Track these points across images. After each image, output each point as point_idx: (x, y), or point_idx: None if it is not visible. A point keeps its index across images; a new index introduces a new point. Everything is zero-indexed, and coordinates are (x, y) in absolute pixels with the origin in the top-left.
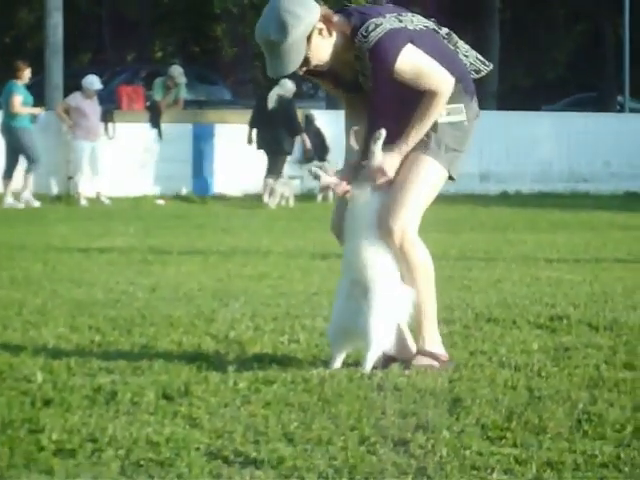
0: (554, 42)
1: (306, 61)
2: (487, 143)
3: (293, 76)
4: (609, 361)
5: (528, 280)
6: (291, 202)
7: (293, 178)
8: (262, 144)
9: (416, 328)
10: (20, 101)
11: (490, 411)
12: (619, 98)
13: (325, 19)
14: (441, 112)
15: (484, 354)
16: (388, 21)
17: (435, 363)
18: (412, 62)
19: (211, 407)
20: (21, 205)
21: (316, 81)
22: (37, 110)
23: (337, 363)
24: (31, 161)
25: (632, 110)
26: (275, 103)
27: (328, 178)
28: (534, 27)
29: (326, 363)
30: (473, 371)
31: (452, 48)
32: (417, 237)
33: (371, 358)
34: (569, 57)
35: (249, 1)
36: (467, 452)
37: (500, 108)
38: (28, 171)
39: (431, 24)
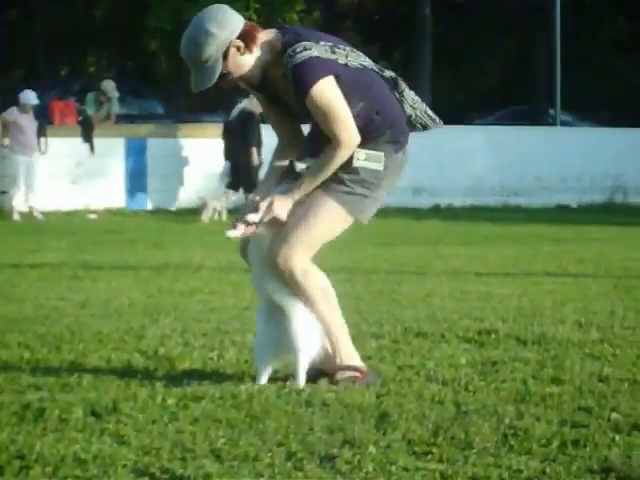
0: (485, 55)
1: (226, 76)
2: (419, 157)
3: None
4: (536, 375)
5: (458, 294)
6: (224, 216)
7: (226, 192)
8: (226, 154)
9: (332, 348)
10: None
11: (417, 426)
12: (550, 111)
13: (247, 35)
14: (334, 168)
15: (412, 368)
16: (318, 48)
17: (357, 374)
18: (326, 97)
19: (139, 424)
20: None
21: (258, 95)
22: None
23: (263, 379)
24: None
25: (563, 123)
26: (236, 115)
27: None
28: (465, 40)
29: (254, 379)
30: (401, 386)
31: (395, 95)
32: (311, 265)
33: (302, 371)
34: (500, 70)
35: (182, 19)
36: (393, 468)
37: None
38: None
39: (370, 64)
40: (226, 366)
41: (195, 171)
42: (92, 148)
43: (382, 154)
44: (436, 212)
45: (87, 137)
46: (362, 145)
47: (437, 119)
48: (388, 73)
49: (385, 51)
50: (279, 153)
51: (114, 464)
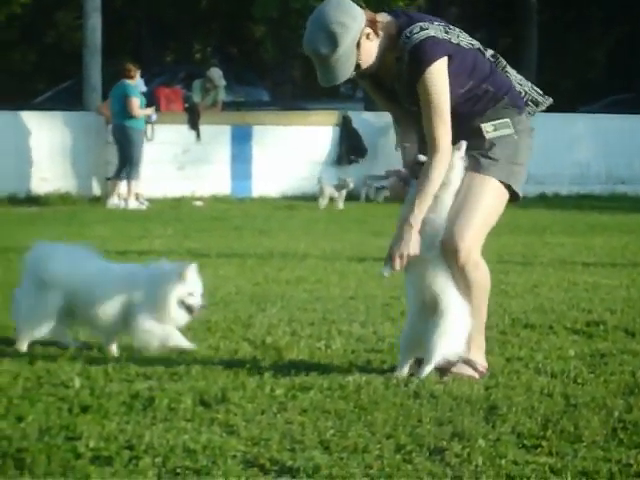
0: (592, 43)
1: (357, 66)
2: None
3: None
4: None
5: (565, 285)
6: (340, 204)
7: (345, 181)
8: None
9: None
10: (138, 104)
11: (526, 419)
12: None
13: (371, 23)
14: (440, 176)
15: (520, 360)
16: (434, 28)
17: (475, 374)
18: (438, 84)
19: (248, 414)
20: (144, 207)
21: (364, 82)
22: (149, 111)
23: (404, 370)
24: (134, 165)
25: None
26: None
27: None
28: (572, 28)
29: (361, 370)
30: (509, 378)
31: (499, 70)
32: (481, 258)
33: (428, 369)
34: (607, 58)
35: (289, 6)
36: (503, 461)
37: None
38: (131, 178)
39: (477, 43)
40: (333, 356)
41: (300, 159)
42: (198, 135)
43: (507, 119)
44: (542, 200)
45: (193, 124)
46: (485, 119)
47: (545, 96)
48: (489, 52)
49: (491, 38)
50: (404, 135)
51: (224, 455)
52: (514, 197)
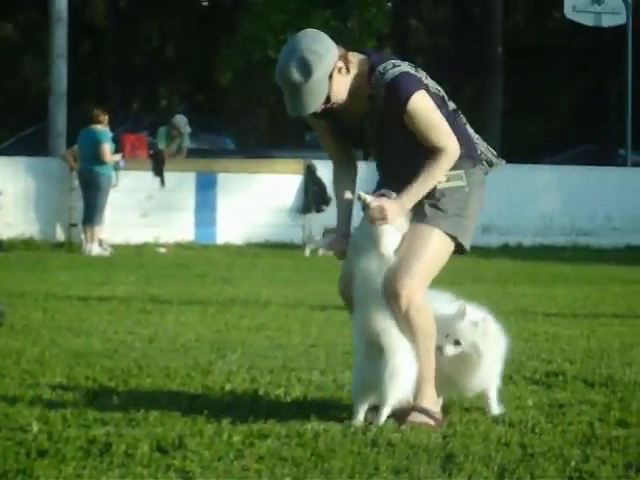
0: (556, 95)
1: (327, 99)
2: (489, 195)
3: None
4: (603, 418)
5: (526, 335)
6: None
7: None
8: None
9: (415, 387)
10: (110, 150)
11: (483, 468)
12: (621, 151)
13: (343, 58)
14: (442, 175)
15: (479, 410)
16: (406, 66)
17: (431, 421)
18: (425, 108)
19: (204, 461)
20: (107, 253)
21: (319, 122)
22: (119, 157)
23: (359, 417)
24: (99, 211)
25: (634, 164)
26: None
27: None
28: (536, 80)
29: (320, 417)
30: (467, 427)
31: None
32: (424, 304)
33: (385, 413)
34: (571, 110)
35: (252, 58)
36: None
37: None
38: (95, 223)
39: (442, 90)
40: (292, 404)
41: (265, 207)
42: (163, 182)
43: (461, 171)
44: (505, 251)
45: (158, 171)
46: None
47: (499, 158)
48: (452, 105)
49: (456, 88)
50: (341, 181)
51: None
52: (460, 250)
